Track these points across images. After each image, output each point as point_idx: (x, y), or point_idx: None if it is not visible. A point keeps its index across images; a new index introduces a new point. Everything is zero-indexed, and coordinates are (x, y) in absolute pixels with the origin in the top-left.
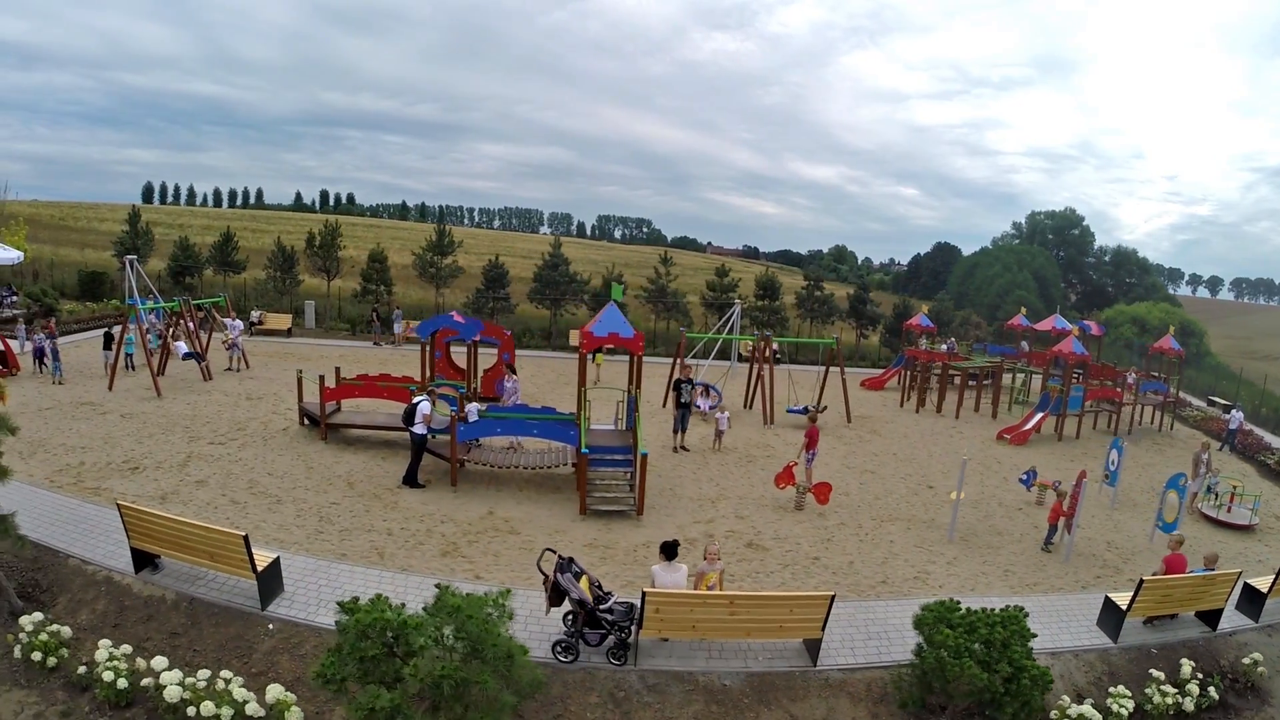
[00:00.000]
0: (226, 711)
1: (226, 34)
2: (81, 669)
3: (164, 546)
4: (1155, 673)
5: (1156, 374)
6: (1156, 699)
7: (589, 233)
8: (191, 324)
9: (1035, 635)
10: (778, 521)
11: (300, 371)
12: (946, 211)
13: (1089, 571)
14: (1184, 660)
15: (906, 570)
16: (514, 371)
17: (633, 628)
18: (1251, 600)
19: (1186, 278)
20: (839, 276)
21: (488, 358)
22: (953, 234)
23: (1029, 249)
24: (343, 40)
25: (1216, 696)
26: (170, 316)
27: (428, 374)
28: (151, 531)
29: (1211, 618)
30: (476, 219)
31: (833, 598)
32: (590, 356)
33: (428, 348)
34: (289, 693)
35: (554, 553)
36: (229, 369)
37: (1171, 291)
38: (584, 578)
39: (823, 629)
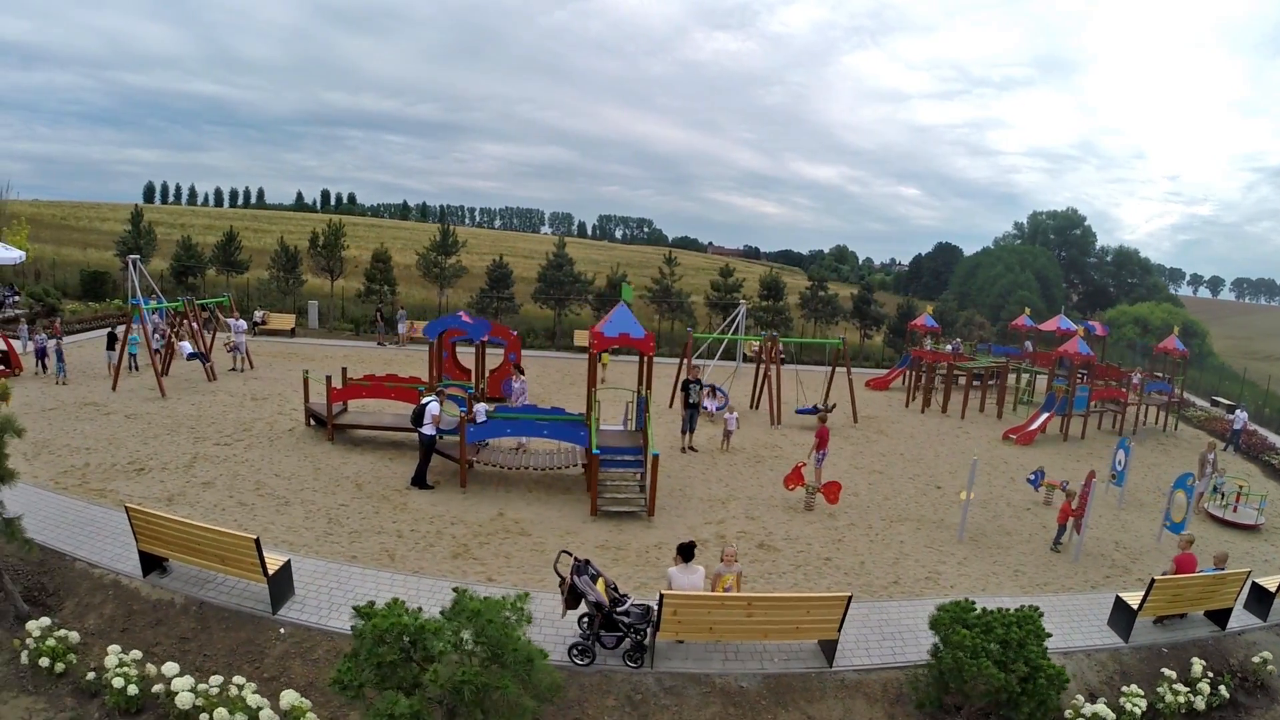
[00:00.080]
0: (240, 718)
1: (228, 34)
2: (90, 675)
3: (173, 550)
4: (1167, 671)
5: (1160, 374)
6: (1169, 698)
7: (590, 233)
8: (196, 324)
9: (1050, 635)
10: (788, 522)
11: (306, 372)
12: (947, 211)
13: (1098, 571)
14: (1194, 659)
15: (918, 570)
16: (521, 372)
17: (648, 630)
18: (1260, 600)
19: (1188, 278)
20: (840, 277)
21: (493, 358)
22: (954, 234)
23: (1031, 249)
24: (344, 40)
25: (1227, 695)
26: (174, 316)
27: (439, 374)
28: (160, 535)
29: (1220, 617)
30: (478, 219)
31: (850, 599)
32: (596, 356)
33: (436, 348)
34: (304, 699)
35: (570, 555)
36: (233, 369)
37: (1173, 292)
38: (600, 580)
39: (839, 630)
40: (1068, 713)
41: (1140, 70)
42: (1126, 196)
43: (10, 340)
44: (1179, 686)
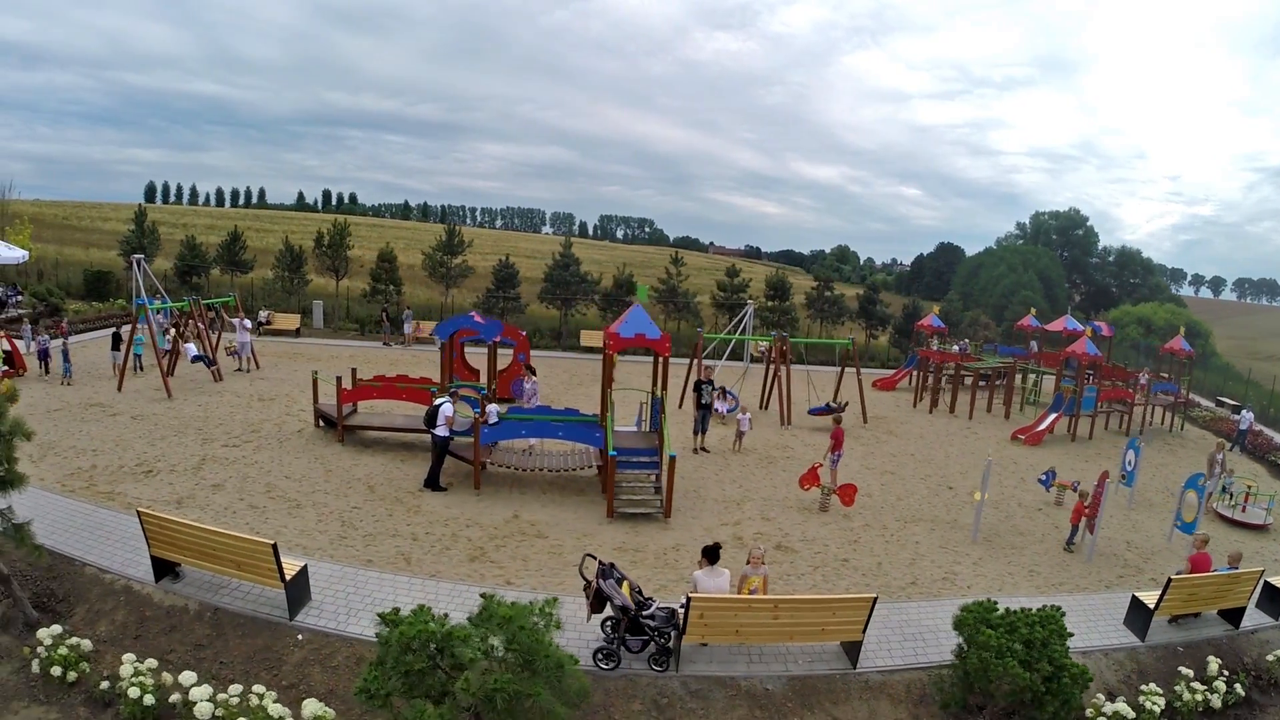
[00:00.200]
0: None
1: (228, 34)
2: (104, 684)
3: (187, 555)
4: (1184, 670)
5: (1165, 375)
6: (1186, 696)
7: (591, 233)
8: (201, 324)
9: (1072, 634)
10: (804, 523)
11: (316, 373)
12: (948, 211)
13: (1111, 571)
14: (1210, 658)
15: (934, 571)
16: (533, 372)
17: (672, 633)
18: (1272, 599)
19: (1189, 278)
20: (842, 277)
21: (501, 359)
22: (955, 234)
23: (1034, 249)
24: (344, 40)
25: (1243, 693)
26: (180, 316)
27: (445, 375)
28: (174, 540)
29: (1234, 616)
30: (479, 219)
31: (875, 600)
32: (612, 357)
33: (448, 348)
34: (327, 708)
35: (594, 558)
36: (239, 369)
37: (1174, 292)
38: (625, 583)
39: (863, 631)
40: (1089, 711)
41: (1141, 70)
42: (1127, 196)
43: (14, 340)
44: (1196, 685)
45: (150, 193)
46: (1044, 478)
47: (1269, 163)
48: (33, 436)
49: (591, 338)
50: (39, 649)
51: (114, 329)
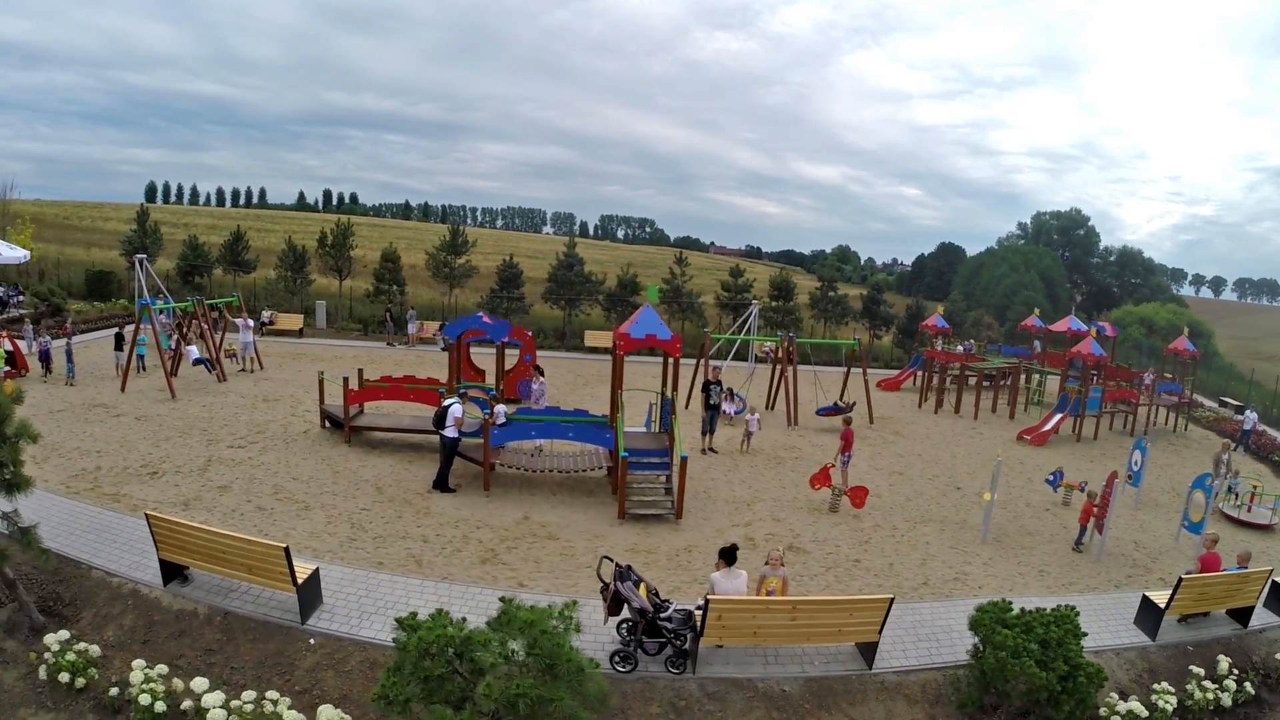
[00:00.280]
0: None
1: (228, 33)
2: (113, 690)
3: (196, 559)
4: (1195, 669)
5: (1169, 375)
6: (1197, 695)
7: (592, 232)
8: (205, 325)
9: (1086, 634)
10: (815, 524)
11: (322, 373)
12: (949, 211)
13: (1120, 571)
14: (1221, 656)
15: (945, 571)
16: (541, 373)
17: (689, 635)
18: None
19: (1190, 278)
20: (843, 277)
21: (507, 359)
22: (955, 234)
23: (1035, 249)
24: (345, 40)
25: (1252, 691)
26: (183, 317)
27: (454, 375)
28: (184, 543)
29: (1243, 615)
30: (479, 219)
31: (892, 600)
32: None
33: (456, 349)
34: (343, 714)
35: (612, 560)
36: (242, 370)
37: (1175, 292)
38: (642, 585)
39: (880, 632)
40: (1102, 710)
41: (1141, 70)
42: (1128, 196)
43: (16, 340)
44: (1207, 684)
45: (150, 192)
46: (1051, 478)
47: (1269, 163)
48: (39, 439)
49: (595, 338)
50: (46, 654)
51: (116, 329)
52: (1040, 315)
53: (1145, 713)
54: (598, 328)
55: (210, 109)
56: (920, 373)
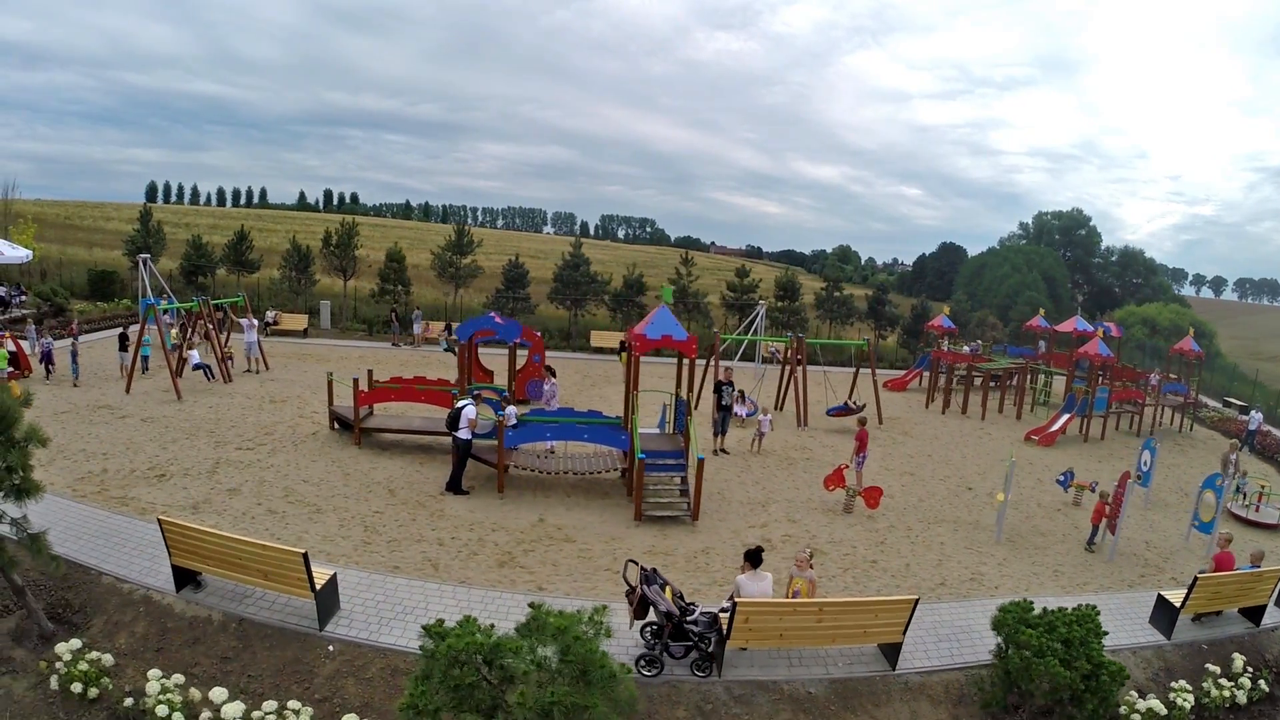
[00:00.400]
0: None
1: (229, 33)
2: (128, 700)
3: (210, 564)
4: (1211, 667)
5: (1174, 375)
6: (1214, 692)
7: (593, 232)
8: (211, 325)
9: (1107, 633)
10: (830, 525)
11: (331, 374)
12: (949, 211)
13: (1133, 571)
14: (1235, 654)
15: (961, 572)
16: (553, 374)
17: (713, 638)
18: None
19: (1190, 278)
20: (844, 277)
21: (516, 359)
22: (956, 234)
23: (1037, 249)
24: (345, 40)
25: (1266, 689)
26: (188, 317)
27: (465, 376)
28: (197, 549)
29: (1255, 614)
30: (480, 219)
31: (916, 601)
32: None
33: (467, 350)
34: None
35: (637, 564)
36: (247, 370)
37: (1177, 292)
38: (667, 588)
39: (904, 633)
40: (1122, 709)
41: (1142, 70)
42: (1128, 196)
43: (19, 341)
44: (1223, 681)
45: (151, 192)
46: (1062, 478)
47: (1270, 163)
48: (49, 443)
49: (601, 338)
50: (57, 664)
51: (120, 329)
52: (1045, 315)
53: (1164, 710)
54: (603, 328)
55: (210, 109)
56: (926, 373)
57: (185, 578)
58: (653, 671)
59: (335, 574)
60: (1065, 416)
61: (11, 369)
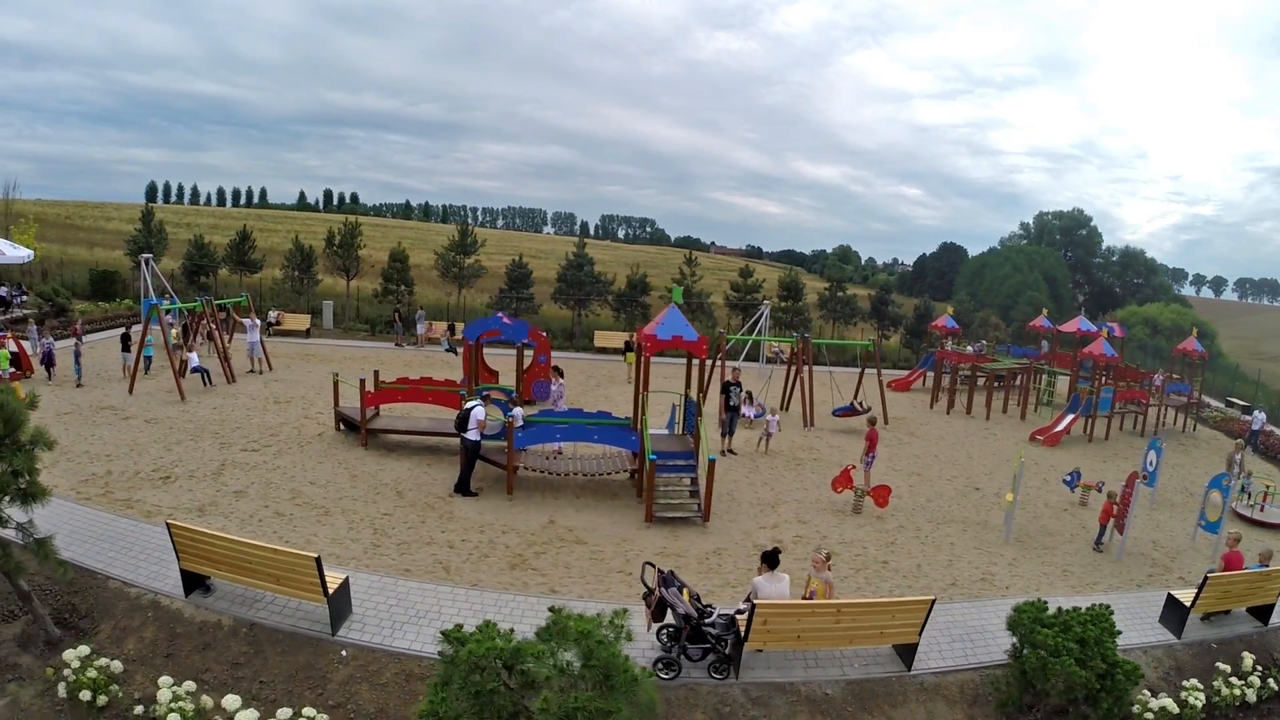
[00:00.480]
0: None
1: (229, 33)
2: (138, 709)
3: (220, 569)
4: (1221, 665)
5: (1177, 375)
6: (1224, 691)
7: (593, 232)
8: (214, 325)
9: (1120, 632)
10: (840, 525)
11: (336, 375)
12: (949, 211)
13: (1141, 570)
14: (1245, 653)
15: (972, 572)
16: (561, 374)
17: (730, 640)
18: None
19: (1190, 278)
20: (844, 277)
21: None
22: (956, 234)
23: (1039, 249)
24: (345, 40)
25: (1276, 687)
26: (192, 317)
27: (472, 377)
28: (206, 553)
29: (1263, 613)
30: (480, 218)
31: (933, 602)
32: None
33: (475, 350)
34: None
35: (654, 566)
36: (251, 370)
37: (1177, 292)
38: (684, 590)
39: (920, 634)
40: (1135, 708)
41: (1142, 70)
42: (1128, 196)
43: (21, 342)
44: (1234, 680)
45: (151, 192)
46: (1069, 478)
47: (1270, 163)
48: (55, 446)
49: (605, 338)
50: (65, 671)
51: (123, 329)
52: (1048, 315)
53: (1176, 709)
54: (606, 328)
55: (210, 109)
56: (930, 373)
57: (194, 582)
58: (670, 674)
59: (347, 578)
60: (1070, 417)
61: (13, 369)
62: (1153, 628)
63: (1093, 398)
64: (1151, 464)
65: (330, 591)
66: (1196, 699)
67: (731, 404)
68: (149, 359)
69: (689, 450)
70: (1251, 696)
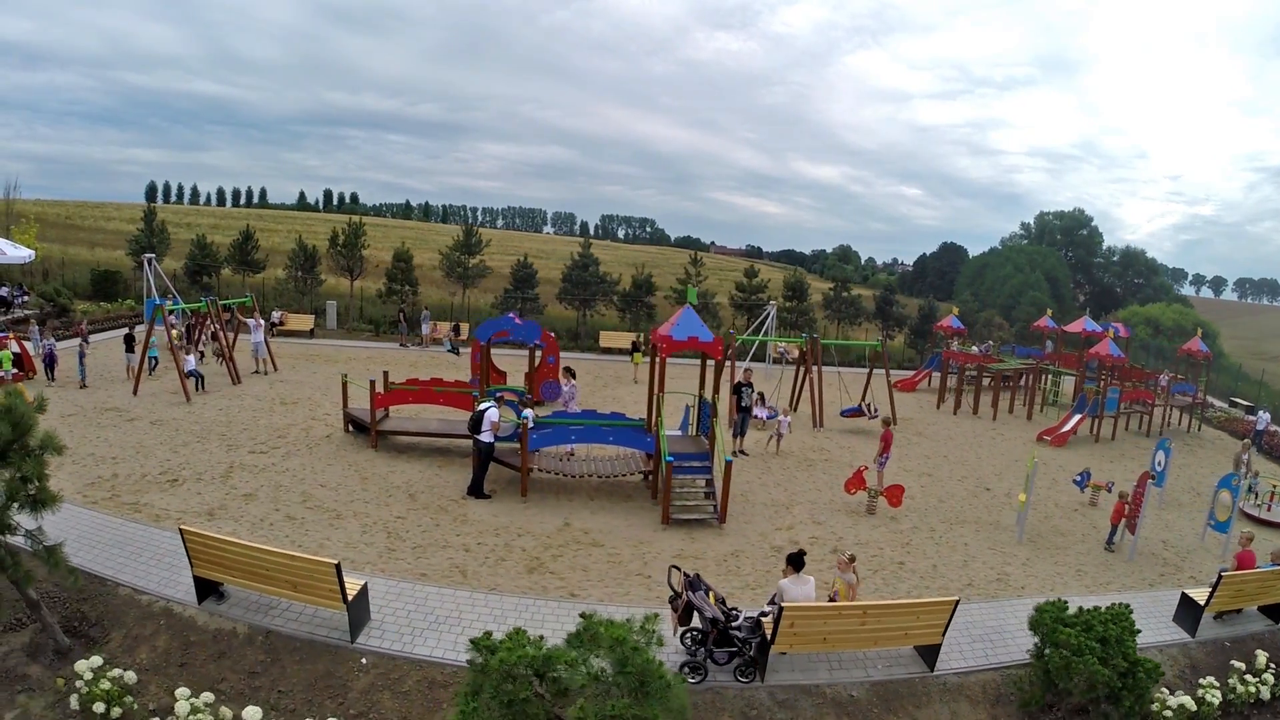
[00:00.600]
0: None
1: (229, 33)
2: None
3: (235, 575)
4: (1236, 663)
5: (1181, 376)
6: (1239, 688)
7: (593, 232)
8: (218, 325)
9: (1140, 631)
10: (855, 526)
11: (345, 376)
12: (949, 211)
13: (1153, 570)
14: (1259, 651)
15: (987, 572)
16: (573, 375)
17: (755, 643)
18: None
19: (1190, 278)
20: (845, 276)
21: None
22: (956, 234)
23: (1040, 249)
24: (345, 40)
25: None
26: (195, 318)
27: (483, 378)
28: (220, 559)
29: (1274, 611)
30: (480, 218)
31: (957, 603)
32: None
33: (485, 351)
34: None
35: (680, 570)
36: (255, 371)
37: (1177, 292)
38: (711, 594)
39: (943, 635)
40: (1154, 705)
41: (1142, 70)
42: (1128, 196)
43: (23, 342)
44: (1249, 677)
45: (151, 192)
46: (1079, 479)
47: (1269, 163)
48: (64, 451)
49: (610, 339)
50: (77, 682)
51: (126, 330)
52: (1052, 316)
53: (1194, 707)
54: (611, 328)
55: (210, 109)
56: (936, 373)
57: (207, 588)
58: (696, 678)
59: (366, 584)
60: (1077, 417)
61: (15, 370)
62: (1167, 626)
63: (1099, 398)
64: (1160, 464)
65: (350, 598)
66: (1214, 696)
67: (743, 405)
68: (154, 360)
69: (704, 452)
70: (1266, 694)
